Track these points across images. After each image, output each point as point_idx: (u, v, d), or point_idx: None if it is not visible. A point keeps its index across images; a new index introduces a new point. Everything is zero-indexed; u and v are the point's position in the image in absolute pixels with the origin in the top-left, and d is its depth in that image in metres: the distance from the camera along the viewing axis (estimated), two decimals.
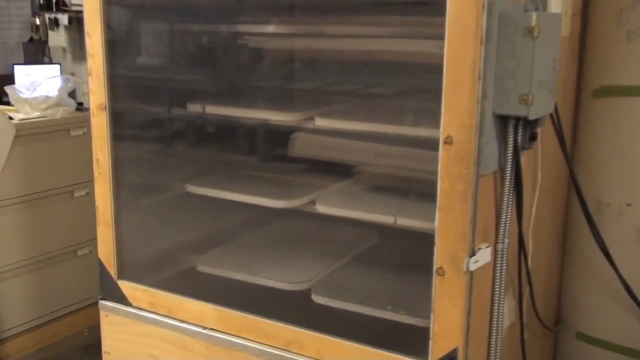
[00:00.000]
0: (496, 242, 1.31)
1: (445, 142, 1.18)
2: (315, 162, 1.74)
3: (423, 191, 1.56)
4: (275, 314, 1.49)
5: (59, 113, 2.35)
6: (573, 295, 1.82)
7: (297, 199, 1.58)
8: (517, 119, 1.22)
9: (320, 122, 1.49)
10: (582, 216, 1.68)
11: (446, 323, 1.24)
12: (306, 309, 1.57)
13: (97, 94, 1.55)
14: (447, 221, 1.20)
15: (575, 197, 1.71)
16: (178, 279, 1.71)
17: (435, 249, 1.22)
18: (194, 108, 1.65)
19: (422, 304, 1.47)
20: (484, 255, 1.25)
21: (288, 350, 1.43)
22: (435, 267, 1.23)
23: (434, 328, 1.25)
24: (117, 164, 1.61)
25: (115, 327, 1.66)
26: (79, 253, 2.41)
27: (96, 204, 1.62)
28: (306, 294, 1.57)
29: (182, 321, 1.56)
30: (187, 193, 1.72)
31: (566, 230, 1.79)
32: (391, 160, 1.59)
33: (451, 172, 1.18)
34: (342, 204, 1.56)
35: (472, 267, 1.21)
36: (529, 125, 1.26)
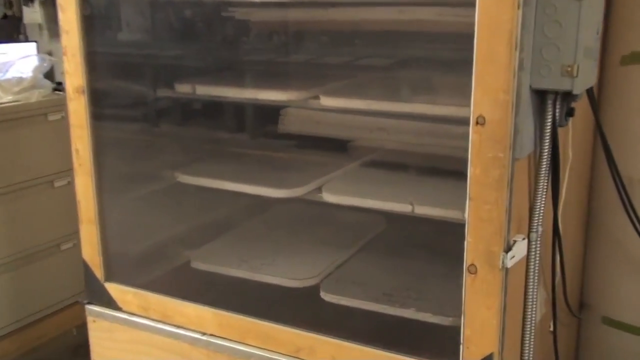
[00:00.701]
0: (529, 232, 1.16)
1: (477, 123, 1.02)
2: (318, 140, 1.59)
3: (444, 171, 1.42)
4: (281, 316, 1.35)
5: (34, 96, 2.16)
6: (599, 279, 1.68)
7: (301, 187, 1.42)
8: (556, 94, 1.07)
9: (327, 101, 1.33)
10: (612, 195, 1.54)
11: (479, 326, 1.09)
12: (316, 308, 1.42)
13: (73, 76, 1.38)
14: (479, 212, 1.05)
15: (603, 175, 1.57)
16: (172, 278, 1.56)
17: (465, 243, 1.07)
18: (183, 88, 1.48)
19: (446, 298, 1.33)
20: (520, 249, 1.10)
21: (298, 358, 1.29)
22: (466, 264, 1.08)
23: (466, 332, 1.11)
24: (99, 154, 1.44)
25: (104, 333, 1.51)
26: (63, 247, 2.24)
27: (77, 198, 1.46)
28: (315, 290, 1.42)
29: (179, 327, 1.41)
30: (178, 182, 1.56)
31: (591, 210, 1.65)
32: (406, 137, 1.44)
33: (484, 157, 1.03)
34: (351, 191, 1.41)
35: (509, 264, 1.06)
36: (567, 100, 1.11)
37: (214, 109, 1.74)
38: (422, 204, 1.31)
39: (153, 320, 1.44)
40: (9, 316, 2.12)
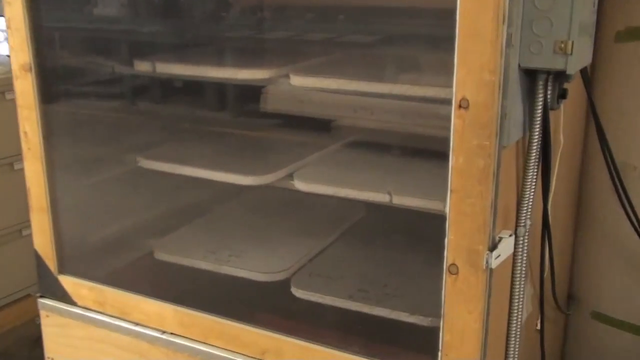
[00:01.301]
0: (517, 226, 1.06)
1: (460, 106, 0.91)
2: (300, 120, 1.47)
3: (431, 156, 1.31)
4: (248, 314, 1.24)
5: None
6: (589, 271, 1.59)
7: (270, 174, 1.31)
8: (548, 74, 0.96)
9: (297, 81, 1.21)
10: (604, 182, 1.44)
11: (460, 331, 0.99)
12: (286, 304, 1.32)
13: (18, 52, 1.25)
14: (461, 207, 0.94)
15: (595, 161, 1.47)
16: (133, 271, 1.45)
17: (446, 240, 0.97)
18: (143, 66, 1.36)
19: (426, 296, 1.23)
20: (507, 247, 1.00)
21: None
22: (446, 264, 0.98)
23: (445, 337, 1.01)
24: (50, 137, 1.32)
25: (58, 329, 1.40)
26: (24, 233, 2.11)
27: (27, 185, 1.34)
28: (285, 285, 1.32)
29: (137, 324, 1.30)
30: (139, 168, 1.44)
31: (582, 198, 1.55)
32: (391, 117, 1.33)
33: (467, 145, 0.92)
34: (325, 178, 1.30)
35: (494, 264, 0.96)
36: (559, 80, 1.00)
37: (187, 87, 1.62)
38: (402, 194, 1.20)
39: (110, 316, 1.33)
40: None
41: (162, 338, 1.27)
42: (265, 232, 1.51)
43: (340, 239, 1.48)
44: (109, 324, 1.32)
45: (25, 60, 1.24)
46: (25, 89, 1.26)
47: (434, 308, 1.14)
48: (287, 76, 1.22)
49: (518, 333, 1.11)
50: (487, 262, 0.95)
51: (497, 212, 0.96)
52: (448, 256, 0.97)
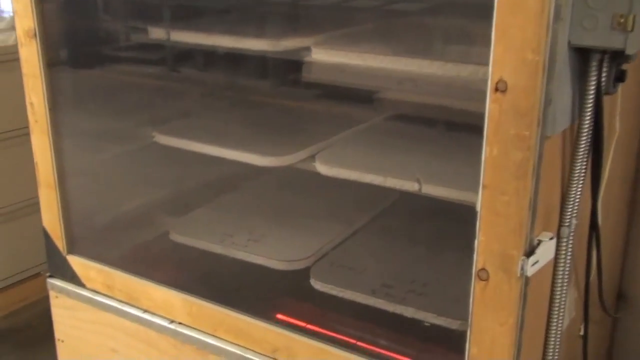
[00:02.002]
0: (560, 226, 0.93)
1: (497, 90, 0.78)
2: (332, 90, 1.35)
3: (471, 138, 1.18)
4: (261, 307, 1.15)
5: (12, 39, 1.96)
6: None
7: (290, 155, 1.20)
8: (604, 53, 0.82)
9: (319, 54, 1.10)
10: None
11: (488, 344, 0.88)
12: (305, 296, 1.22)
13: (23, 17, 1.16)
14: (495, 205, 0.82)
15: None
16: (143, 253, 1.37)
17: (476, 242, 0.85)
18: (157, 33, 1.26)
19: (458, 295, 1.12)
20: (547, 251, 0.87)
21: (274, 359, 1.09)
22: (475, 268, 0.86)
23: (472, 350, 0.89)
24: (58, 108, 1.24)
25: (67, 311, 1.33)
26: None
27: (35, 160, 1.27)
28: (305, 275, 1.22)
29: (145, 311, 1.23)
30: (155, 143, 1.35)
31: (637, 191, 1.40)
32: (430, 90, 1.20)
33: (504, 135, 0.79)
34: (349, 161, 1.18)
35: (530, 271, 0.84)
36: (616, 61, 0.86)
37: (212, 53, 1.51)
38: (433, 182, 1.08)
39: (118, 301, 1.25)
40: None
41: (169, 328, 1.19)
42: (288, 214, 1.41)
43: (368, 225, 1.37)
44: (117, 309, 1.25)
45: (29, 25, 1.16)
46: (30, 56, 1.18)
47: (465, 310, 1.04)
48: (308, 49, 1.10)
49: (557, 343, 0.99)
50: (522, 269, 0.83)
51: (536, 211, 0.83)
52: (478, 260, 0.85)
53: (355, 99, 1.36)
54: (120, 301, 1.25)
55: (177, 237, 1.35)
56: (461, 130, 1.20)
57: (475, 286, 0.86)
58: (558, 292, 0.95)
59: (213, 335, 1.14)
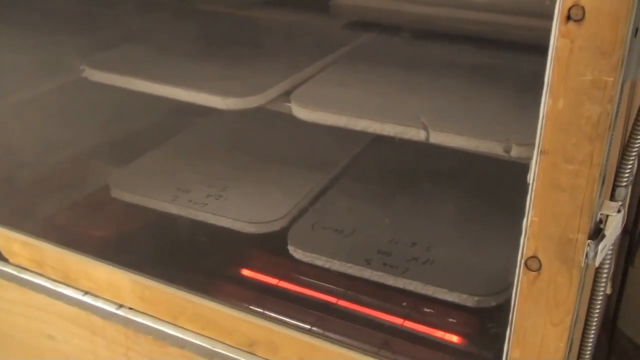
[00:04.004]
0: (615, 186, 0.73)
1: (569, 18, 0.55)
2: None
3: (496, 64, 0.96)
4: (232, 285, 0.94)
5: None
6: None
7: (257, 95, 0.95)
8: None
9: None
10: None
11: (536, 348, 0.68)
12: (284, 267, 1.01)
13: None
14: (556, 176, 0.60)
15: None
16: (78, 216, 1.12)
17: (525, 223, 0.64)
18: None
19: (474, 263, 0.93)
20: (614, 229, 0.67)
21: (252, 354, 0.88)
22: (523, 255, 0.65)
23: (512, 352, 0.70)
24: None
25: None
26: None
27: None
28: (281, 239, 1.00)
29: (86, 292, 0.99)
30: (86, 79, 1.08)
31: None
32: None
33: (576, 81, 0.57)
34: (335, 100, 0.94)
35: (599, 258, 0.63)
36: None
37: None
38: (444, 127, 0.85)
39: (51, 280, 1.02)
40: None
41: (117, 314, 0.96)
42: (254, 166, 1.17)
43: (353, 173, 1.15)
44: (50, 290, 1.01)
45: None
46: None
47: (486, 283, 0.85)
48: None
49: (594, 335, 0.80)
50: (586, 256, 0.63)
51: (605, 181, 0.62)
52: (527, 245, 0.64)
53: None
54: (54, 281, 1.01)
55: (120, 194, 1.11)
56: (485, 52, 0.97)
57: (522, 277, 0.66)
58: (605, 275, 0.75)
59: (174, 324, 0.93)
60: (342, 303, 1.13)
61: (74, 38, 1.17)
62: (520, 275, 0.66)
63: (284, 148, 1.18)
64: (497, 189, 1.04)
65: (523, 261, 0.65)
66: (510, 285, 0.85)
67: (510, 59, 1.00)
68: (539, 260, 0.64)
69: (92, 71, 1.05)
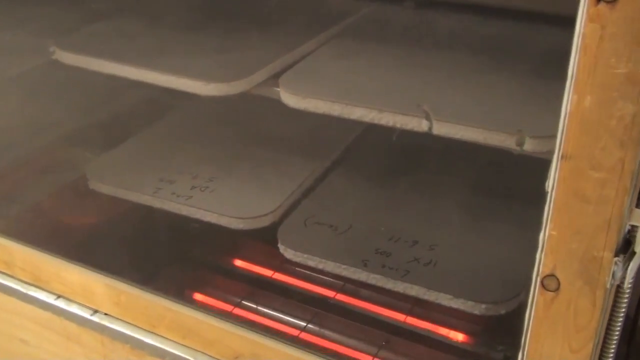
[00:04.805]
0: None
1: (598, 0, 0.45)
2: None
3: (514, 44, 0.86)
4: (216, 288, 0.86)
5: None
6: None
7: (243, 79, 0.86)
8: None
9: None
10: None
11: None
12: (274, 265, 0.93)
13: None
14: (580, 185, 0.51)
15: None
16: (49, 213, 1.04)
17: (542, 237, 0.55)
18: None
19: (481, 265, 0.84)
20: None
21: None
22: (538, 273, 0.56)
23: None
24: None
25: None
26: None
27: None
28: (271, 235, 0.91)
29: (59, 296, 0.92)
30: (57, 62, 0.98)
31: None
32: None
33: (606, 75, 0.47)
34: (327, 86, 0.85)
35: (628, 280, 0.55)
36: None
37: None
38: (449, 118, 0.75)
39: (21, 282, 0.94)
40: None
41: (92, 320, 0.88)
42: (245, 150, 1.08)
43: (352, 159, 1.06)
44: (21, 292, 0.94)
45: None
46: None
47: (496, 290, 0.77)
48: None
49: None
50: (613, 276, 0.54)
51: (636, 188, 0.53)
52: (544, 262, 0.55)
53: None
54: (25, 282, 0.93)
55: (98, 186, 1.02)
56: (496, 23, 0.88)
57: (538, 297, 0.57)
58: (627, 294, 0.66)
59: (152, 333, 0.85)
60: (339, 297, 1.06)
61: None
62: (535, 294, 0.57)
63: (276, 134, 1.09)
64: (509, 181, 0.95)
65: (539, 279, 0.56)
66: (522, 291, 0.77)
67: (526, 31, 0.91)
68: (558, 279, 0.55)
69: (63, 53, 0.96)
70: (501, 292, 0.80)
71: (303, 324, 1.03)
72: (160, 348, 0.83)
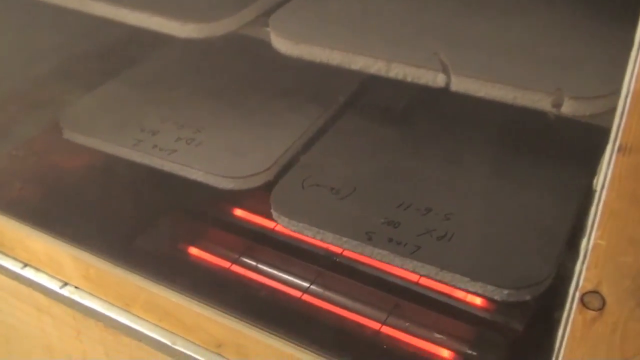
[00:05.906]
0: None
1: None
2: None
3: None
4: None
5: None
6: None
7: (226, 18, 0.72)
8: None
9: None
10: None
11: None
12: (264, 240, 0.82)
13: None
14: (636, 185, 0.39)
15: None
16: (14, 167, 0.92)
17: (584, 245, 0.43)
18: None
19: (503, 239, 0.73)
20: None
21: (219, 355, 0.70)
22: (578, 289, 0.44)
23: None
24: None
25: None
26: None
27: None
28: (264, 199, 0.80)
29: (26, 265, 0.82)
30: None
31: None
32: None
33: None
34: (322, 30, 0.71)
35: None
36: None
37: None
38: (470, 72, 0.62)
39: None
40: None
41: (61, 294, 0.78)
42: (237, 98, 0.95)
43: (357, 109, 0.93)
44: None
45: None
46: None
47: (521, 270, 0.66)
48: None
49: None
50: None
51: None
52: (585, 275, 0.43)
53: None
54: None
55: (73, 135, 0.90)
56: None
57: (575, 315, 0.45)
58: None
59: (127, 311, 0.75)
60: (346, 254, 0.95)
61: None
62: (572, 312, 0.45)
63: (271, 80, 0.95)
64: (541, 137, 0.81)
65: (578, 295, 0.44)
66: (553, 273, 0.66)
67: None
68: (603, 297, 0.44)
69: None
70: (527, 275, 0.68)
71: (306, 284, 0.93)
72: (136, 329, 0.74)
